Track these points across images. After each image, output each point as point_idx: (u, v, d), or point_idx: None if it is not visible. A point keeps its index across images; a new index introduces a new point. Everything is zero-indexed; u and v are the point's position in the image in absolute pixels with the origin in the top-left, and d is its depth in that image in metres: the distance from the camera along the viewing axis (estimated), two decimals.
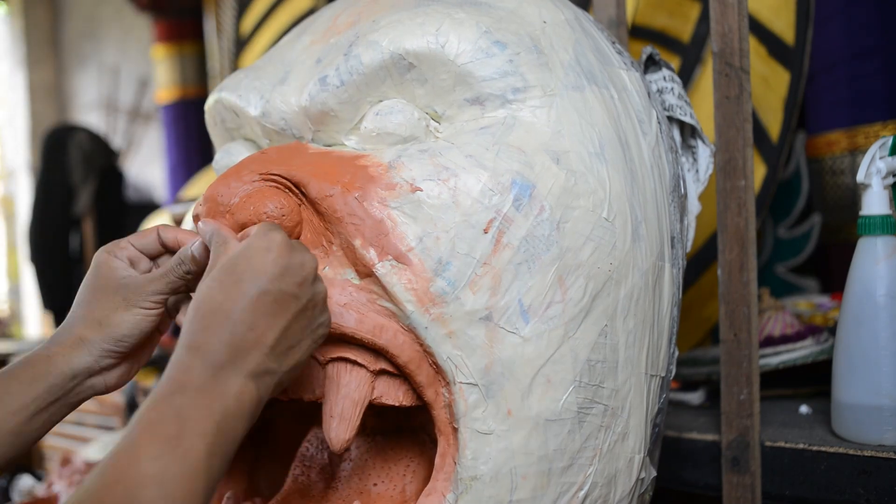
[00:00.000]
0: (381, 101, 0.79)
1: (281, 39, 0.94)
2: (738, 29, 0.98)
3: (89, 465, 1.89)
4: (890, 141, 0.97)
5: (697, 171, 0.99)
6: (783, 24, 1.41)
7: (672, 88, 0.97)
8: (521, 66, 0.78)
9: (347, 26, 0.84)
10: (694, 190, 0.98)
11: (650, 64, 0.98)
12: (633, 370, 0.78)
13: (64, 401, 0.73)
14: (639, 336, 0.79)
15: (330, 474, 0.89)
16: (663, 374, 0.85)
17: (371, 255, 0.71)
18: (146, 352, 0.80)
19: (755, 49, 1.44)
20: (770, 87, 1.43)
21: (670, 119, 0.96)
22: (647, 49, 0.97)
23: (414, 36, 0.77)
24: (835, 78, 1.48)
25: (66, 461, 2.00)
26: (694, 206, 0.97)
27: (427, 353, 0.72)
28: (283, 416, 0.95)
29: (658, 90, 0.97)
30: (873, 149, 0.97)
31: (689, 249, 0.94)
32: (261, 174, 0.75)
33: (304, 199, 0.75)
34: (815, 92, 1.51)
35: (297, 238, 0.74)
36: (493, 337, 0.71)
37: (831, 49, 1.48)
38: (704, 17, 1.46)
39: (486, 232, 0.71)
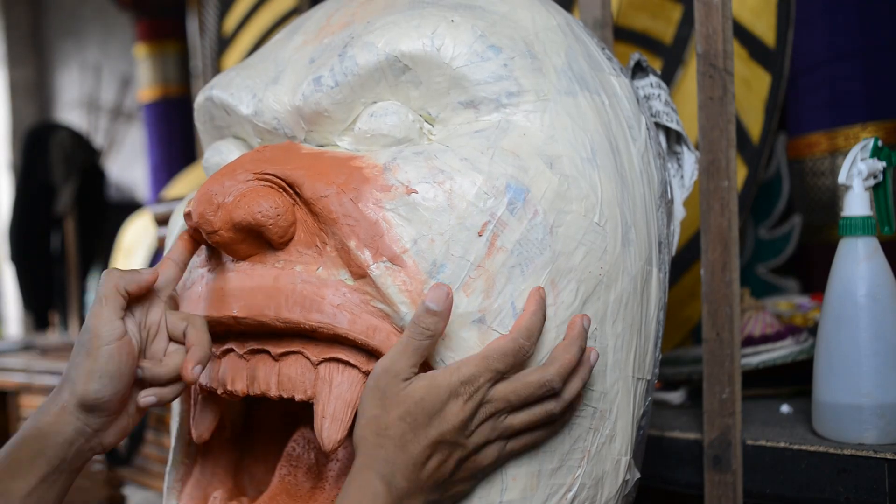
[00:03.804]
0: (375, 102, 0.79)
1: (272, 38, 0.94)
2: (722, 31, 0.99)
3: None
4: (871, 143, 0.98)
5: (682, 176, 1.00)
6: (764, 27, 1.42)
7: (659, 95, 0.97)
8: (516, 71, 0.78)
9: (341, 27, 0.84)
10: (679, 195, 0.99)
11: (637, 70, 0.99)
12: (620, 373, 0.79)
13: (68, 468, 0.72)
14: (627, 340, 0.80)
15: (317, 474, 0.89)
16: (648, 378, 0.85)
17: (366, 256, 0.71)
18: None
19: (736, 51, 1.45)
20: (751, 89, 1.44)
21: (657, 125, 0.97)
22: (635, 55, 0.98)
23: (410, 38, 0.77)
24: (815, 80, 1.50)
25: None
26: (679, 212, 0.98)
27: None
28: (268, 416, 0.94)
29: (645, 96, 0.97)
30: (854, 151, 0.98)
31: (673, 254, 0.95)
32: (255, 174, 0.75)
33: (298, 200, 0.75)
34: (796, 94, 1.53)
35: (291, 238, 0.74)
36: (485, 339, 0.71)
37: (812, 51, 1.49)
38: (686, 20, 1.46)
39: (480, 235, 0.71)
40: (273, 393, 0.75)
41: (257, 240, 0.75)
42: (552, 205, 0.74)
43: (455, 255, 0.71)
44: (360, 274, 0.71)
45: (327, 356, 0.73)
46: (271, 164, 0.76)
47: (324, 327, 0.71)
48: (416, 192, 0.72)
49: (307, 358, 0.74)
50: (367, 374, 0.73)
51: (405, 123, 0.77)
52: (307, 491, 0.88)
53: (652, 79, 0.98)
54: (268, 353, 0.76)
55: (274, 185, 0.75)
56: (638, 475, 0.86)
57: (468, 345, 0.71)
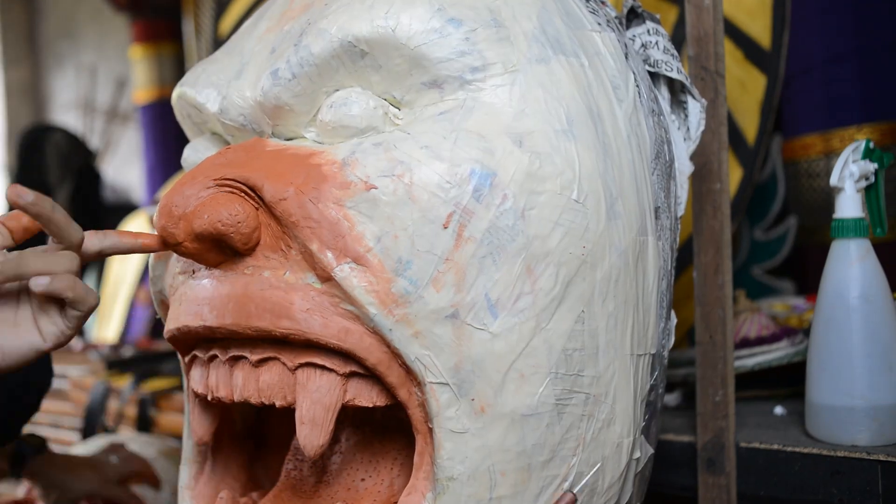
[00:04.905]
0: (336, 90, 0.75)
1: (242, 26, 0.91)
2: (714, 33, 0.97)
3: None
4: (863, 145, 0.97)
5: (689, 129, 0.94)
6: (759, 28, 1.41)
7: (657, 42, 0.92)
8: (479, 44, 0.73)
9: (301, 10, 0.80)
10: (684, 149, 0.94)
11: (632, 17, 0.93)
12: (616, 354, 0.75)
13: None
14: (621, 318, 0.76)
15: (321, 468, 0.89)
16: (653, 351, 0.81)
17: (329, 258, 0.68)
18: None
19: (732, 53, 1.44)
20: (746, 90, 1.44)
21: (656, 75, 0.92)
22: (629, 1, 0.92)
23: (362, 21, 0.73)
24: (810, 82, 1.49)
25: None
26: (685, 167, 0.93)
27: (395, 354, 0.69)
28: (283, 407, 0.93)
29: (642, 45, 0.92)
30: (846, 152, 0.97)
31: (682, 213, 0.91)
32: (214, 180, 0.72)
33: (261, 203, 0.72)
34: (791, 95, 1.52)
35: (256, 244, 0.72)
36: (460, 334, 0.68)
37: (807, 53, 1.48)
38: (682, 21, 1.46)
39: (445, 227, 0.68)
40: (255, 400, 0.74)
41: (224, 247, 0.72)
42: (522, 187, 0.70)
43: (421, 250, 0.68)
44: (326, 277, 0.69)
45: (303, 361, 0.71)
46: (231, 168, 0.73)
47: (295, 333, 0.69)
48: (376, 188, 0.68)
49: (284, 364, 0.72)
50: (344, 376, 0.72)
51: (367, 112, 0.74)
52: (312, 486, 0.88)
53: (648, 25, 0.92)
54: (247, 359, 0.74)
55: (236, 191, 0.72)
56: (651, 450, 0.84)
57: (443, 341, 0.68)
